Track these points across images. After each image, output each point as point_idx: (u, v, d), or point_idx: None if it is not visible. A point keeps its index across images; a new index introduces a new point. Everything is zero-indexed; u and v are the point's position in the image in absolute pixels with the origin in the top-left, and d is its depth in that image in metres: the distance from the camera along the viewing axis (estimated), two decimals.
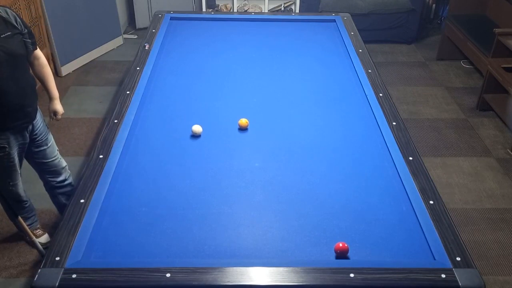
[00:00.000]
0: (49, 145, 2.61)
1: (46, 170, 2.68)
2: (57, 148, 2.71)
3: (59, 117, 2.67)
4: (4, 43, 2.19)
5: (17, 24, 2.27)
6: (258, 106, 2.73)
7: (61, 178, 2.72)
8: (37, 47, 2.47)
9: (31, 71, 2.47)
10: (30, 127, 2.45)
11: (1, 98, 2.24)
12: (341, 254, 1.78)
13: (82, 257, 1.73)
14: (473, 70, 4.89)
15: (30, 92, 2.40)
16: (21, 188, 2.63)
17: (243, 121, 2.48)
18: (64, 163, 2.74)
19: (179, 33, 3.56)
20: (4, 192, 2.54)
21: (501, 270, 2.77)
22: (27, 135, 2.45)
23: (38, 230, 2.87)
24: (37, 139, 2.53)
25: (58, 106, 2.64)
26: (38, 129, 2.51)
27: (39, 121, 2.51)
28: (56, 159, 2.68)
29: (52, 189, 2.76)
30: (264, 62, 3.19)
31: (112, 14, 5.01)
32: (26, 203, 2.72)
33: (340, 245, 1.78)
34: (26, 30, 2.32)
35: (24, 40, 2.32)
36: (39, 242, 2.80)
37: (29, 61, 2.44)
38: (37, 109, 2.49)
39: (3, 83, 2.22)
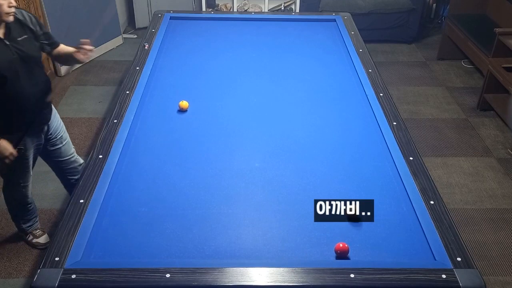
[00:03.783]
0: (64, 143, 2.63)
1: (64, 169, 2.71)
2: (73, 146, 2.72)
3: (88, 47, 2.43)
4: (21, 46, 2.19)
5: (33, 27, 2.27)
6: (258, 105, 2.73)
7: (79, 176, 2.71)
8: (60, 43, 2.46)
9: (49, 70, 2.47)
10: (46, 127, 2.47)
11: (18, 101, 2.24)
12: (342, 255, 1.77)
13: (82, 257, 1.73)
14: (474, 70, 4.88)
15: (46, 93, 2.40)
16: (30, 189, 2.65)
17: (184, 103, 2.54)
18: (81, 161, 2.76)
19: (179, 32, 3.56)
20: (14, 193, 2.56)
21: (502, 271, 2.76)
22: (43, 136, 2.48)
23: (38, 230, 2.87)
24: (52, 138, 2.55)
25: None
26: (53, 128, 2.53)
27: (53, 120, 2.53)
28: (72, 157, 2.70)
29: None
30: (264, 62, 3.19)
31: (111, 13, 5.00)
32: (30, 206, 2.74)
33: (341, 245, 1.78)
34: (42, 32, 2.32)
35: (41, 42, 2.32)
36: (38, 242, 2.80)
37: (51, 55, 2.45)
38: (52, 109, 2.49)
39: (20, 86, 2.22)
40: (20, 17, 2.22)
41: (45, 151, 2.58)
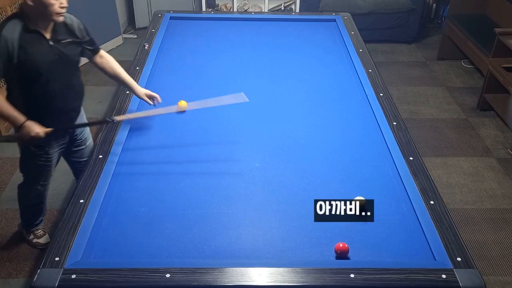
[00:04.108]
0: (87, 144, 2.65)
1: (80, 170, 2.70)
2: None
3: (158, 99, 2.53)
4: (62, 49, 2.22)
5: (79, 33, 2.29)
6: (258, 105, 2.72)
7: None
8: (100, 49, 2.49)
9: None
10: None
11: (48, 100, 2.26)
12: (342, 255, 1.77)
13: (82, 257, 1.73)
14: (474, 69, 4.88)
15: (77, 97, 2.43)
16: (47, 189, 2.66)
17: (182, 103, 2.38)
18: None
19: (179, 32, 3.56)
20: (30, 191, 2.58)
21: (502, 271, 2.76)
22: (68, 135, 2.49)
23: (40, 230, 2.87)
24: (77, 139, 2.57)
25: (143, 91, 2.53)
26: (79, 129, 2.54)
27: (80, 121, 2.53)
28: None
29: None
30: (264, 62, 3.19)
31: (111, 13, 5.00)
32: (42, 205, 2.74)
33: (341, 245, 1.78)
34: (87, 38, 2.35)
35: (84, 47, 2.35)
36: (39, 243, 2.80)
37: (92, 62, 2.50)
38: (80, 112, 2.51)
39: (53, 86, 2.24)
40: (68, 21, 2.24)
41: (68, 151, 2.59)
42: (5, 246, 2.85)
